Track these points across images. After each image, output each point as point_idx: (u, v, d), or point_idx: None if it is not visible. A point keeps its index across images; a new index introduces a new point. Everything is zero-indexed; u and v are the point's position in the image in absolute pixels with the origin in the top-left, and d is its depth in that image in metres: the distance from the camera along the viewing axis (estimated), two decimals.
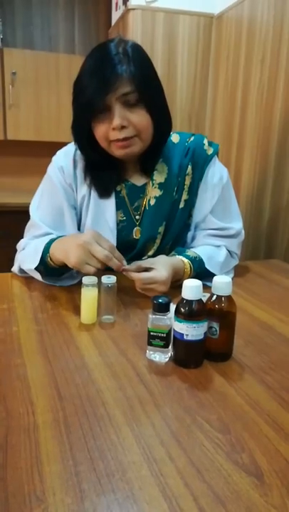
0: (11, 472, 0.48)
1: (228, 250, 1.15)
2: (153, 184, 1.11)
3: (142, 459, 0.51)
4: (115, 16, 2.55)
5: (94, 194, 1.11)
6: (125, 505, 0.44)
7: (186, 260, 1.04)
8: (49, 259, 0.98)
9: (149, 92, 0.99)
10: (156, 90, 1.04)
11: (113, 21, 2.60)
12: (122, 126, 0.97)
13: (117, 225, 1.12)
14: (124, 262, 0.94)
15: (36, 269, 1.01)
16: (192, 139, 1.15)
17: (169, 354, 0.73)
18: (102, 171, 1.09)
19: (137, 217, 1.13)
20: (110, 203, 1.11)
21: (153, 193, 1.11)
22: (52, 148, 1.17)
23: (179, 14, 2.22)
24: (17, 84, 2.75)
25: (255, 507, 0.45)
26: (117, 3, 2.49)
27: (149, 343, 0.73)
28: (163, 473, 0.48)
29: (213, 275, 0.86)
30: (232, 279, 1.10)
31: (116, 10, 2.53)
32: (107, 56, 0.96)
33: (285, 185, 1.77)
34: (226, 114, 2.22)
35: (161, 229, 1.12)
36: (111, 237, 1.09)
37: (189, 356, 0.72)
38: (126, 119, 0.97)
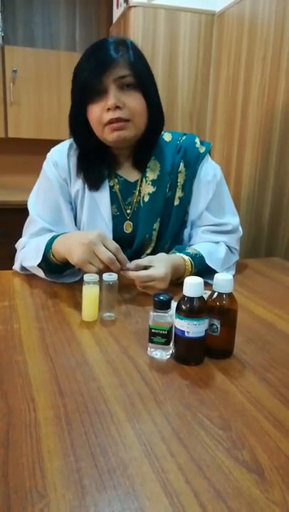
0: (13, 468, 0.48)
1: (228, 246, 1.15)
2: (146, 181, 1.12)
3: (143, 455, 0.51)
4: (116, 13, 2.54)
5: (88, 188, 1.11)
6: (126, 501, 0.44)
7: (186, 257, 1.04)
8: (51, 255, 0.98)
9: (146, 81, 1.02)
10: (152, 85, 1.07)
11: (114, 19, 2.60)
12: (116, 107, 0.98)
13: (112, 219, 1.12)
14: (128, 265, 0.94)
15: (38, 266, 1.01)
16: (184, 138, 1.16)
17: (170, 351, 0.73)
18: (94, 164, 1.11)
19: (128, 211, 1.13)
20: (104, 197, 1.11)
21: (146, 189, 1.11)
22: (53, 146, 1.17)
23: (181, 11, 2.21)
24: (18, 82, 2.74)
25: (256, 503, 0.45)
26: (118, 1, 2.48)
27: (150, 341, 0.73)
28: (164, 469, 0.49)
29: (214, 271, 0.86)
30: (233, 276, 1.11)
31: (117, 7, 2.52)
32: (105, 43, 1.00)
33: (287, 182, 1.77)
34: (228, 112, 2.22)
35: (156, 225, 1.12)
36: (107, 232, 1.10)
37: (190, 353, 0.72)
38: (121, 101, 0.99)
